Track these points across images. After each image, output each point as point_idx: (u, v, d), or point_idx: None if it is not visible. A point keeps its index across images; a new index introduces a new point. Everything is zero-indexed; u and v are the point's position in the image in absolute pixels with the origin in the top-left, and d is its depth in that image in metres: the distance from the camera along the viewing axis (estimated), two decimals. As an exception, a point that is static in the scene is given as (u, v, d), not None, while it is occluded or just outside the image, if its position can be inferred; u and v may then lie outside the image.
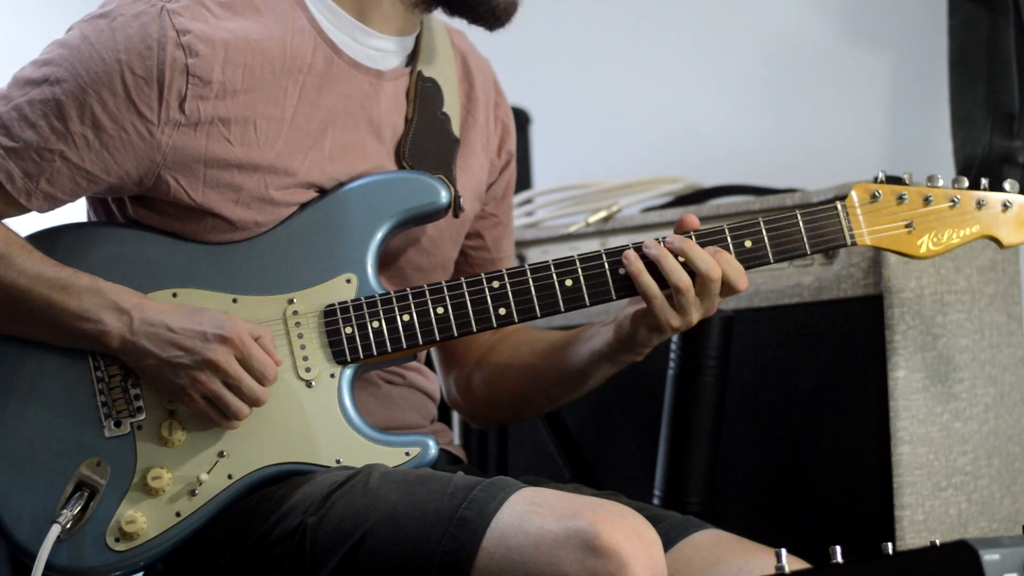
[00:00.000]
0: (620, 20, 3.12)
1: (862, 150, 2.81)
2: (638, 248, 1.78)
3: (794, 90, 2.91)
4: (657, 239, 1.78)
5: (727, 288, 1.77)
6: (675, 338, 2.13)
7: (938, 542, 1.30)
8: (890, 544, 1.33)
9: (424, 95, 1.90)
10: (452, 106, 1.93)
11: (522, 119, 2.76)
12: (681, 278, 1.75)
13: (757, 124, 2.94)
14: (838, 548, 1.35)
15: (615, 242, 2.42)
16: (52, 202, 1.77)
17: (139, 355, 1.72)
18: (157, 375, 1.73)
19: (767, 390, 2.24)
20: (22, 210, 1.77)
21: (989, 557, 1.26)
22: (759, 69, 2.95)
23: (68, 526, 1.72)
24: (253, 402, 1.73)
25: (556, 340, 1.98)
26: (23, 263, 1.74)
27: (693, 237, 1.79)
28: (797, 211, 1.81)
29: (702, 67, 3.02)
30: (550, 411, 2.30)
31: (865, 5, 2.84)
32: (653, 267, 1.77)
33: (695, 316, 1.78)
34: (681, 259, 1.76)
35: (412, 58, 1.91)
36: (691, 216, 1.82)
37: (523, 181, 2.56)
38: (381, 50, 1.86)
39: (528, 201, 2.65)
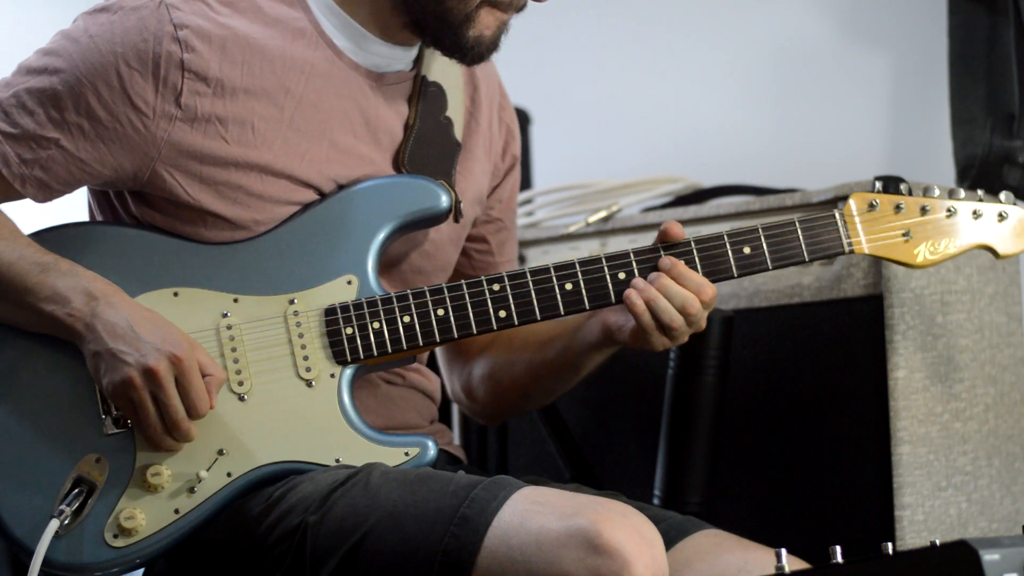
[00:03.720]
0: (620, 20, 3.12)
1: (862, 150, 2.81)
2: (630, 287, 1.80)
3: (794, 90, 2.91)
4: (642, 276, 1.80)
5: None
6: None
7: (938, 542, 1.31)
8: (890, 544, 1.34)
9: (426, 100, 1.90)
10: (456, 110, 1.93)
11: (522, 119, 2.75)
12: (674, 318, 1.79)
13: (757, 124, 2.94)
14: (838, 548, 1.35)
15: (615, 242, 2.42)
16: (47, 191, 1.78)
17: (92, 340, 1.71)
18: (99, 363, 1.71)
19: (767, 390, 2.24)
20: (16, 196, 1.78)
21: (989, 557, 1.26)
22: (759, 69, 2.95)
23: (66, 522, 1.71)
24: (172, 427, 1.71)
25: (548, 333, 1.98)
26: (6, 244, 1.74)
27: (661, 250, 1.81)
28: (796, 219, 1.82)
29: (702, 67, 3.02)
30: (549, 406, 2.30)
31: (865, 5, 2.84)
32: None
33: (686, 337, 1.83)
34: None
35: (416, 62, 1.91)
36: (673, 225, 1.82)
37: (523, 181, 2.55)
38: (383, 55, 1.86)
39: (528, 201, 2.64)
